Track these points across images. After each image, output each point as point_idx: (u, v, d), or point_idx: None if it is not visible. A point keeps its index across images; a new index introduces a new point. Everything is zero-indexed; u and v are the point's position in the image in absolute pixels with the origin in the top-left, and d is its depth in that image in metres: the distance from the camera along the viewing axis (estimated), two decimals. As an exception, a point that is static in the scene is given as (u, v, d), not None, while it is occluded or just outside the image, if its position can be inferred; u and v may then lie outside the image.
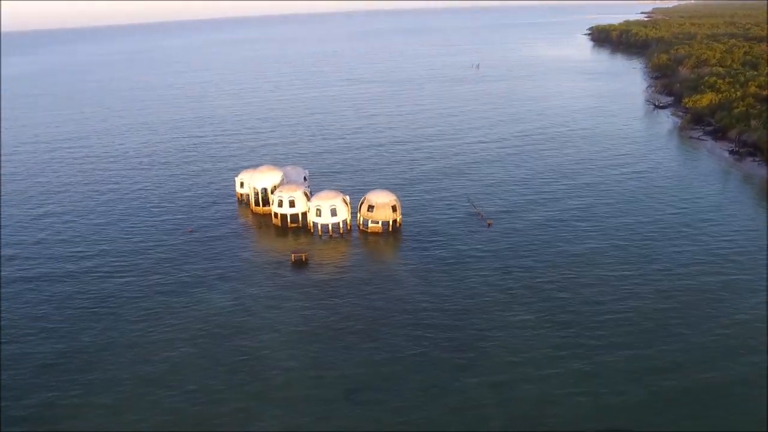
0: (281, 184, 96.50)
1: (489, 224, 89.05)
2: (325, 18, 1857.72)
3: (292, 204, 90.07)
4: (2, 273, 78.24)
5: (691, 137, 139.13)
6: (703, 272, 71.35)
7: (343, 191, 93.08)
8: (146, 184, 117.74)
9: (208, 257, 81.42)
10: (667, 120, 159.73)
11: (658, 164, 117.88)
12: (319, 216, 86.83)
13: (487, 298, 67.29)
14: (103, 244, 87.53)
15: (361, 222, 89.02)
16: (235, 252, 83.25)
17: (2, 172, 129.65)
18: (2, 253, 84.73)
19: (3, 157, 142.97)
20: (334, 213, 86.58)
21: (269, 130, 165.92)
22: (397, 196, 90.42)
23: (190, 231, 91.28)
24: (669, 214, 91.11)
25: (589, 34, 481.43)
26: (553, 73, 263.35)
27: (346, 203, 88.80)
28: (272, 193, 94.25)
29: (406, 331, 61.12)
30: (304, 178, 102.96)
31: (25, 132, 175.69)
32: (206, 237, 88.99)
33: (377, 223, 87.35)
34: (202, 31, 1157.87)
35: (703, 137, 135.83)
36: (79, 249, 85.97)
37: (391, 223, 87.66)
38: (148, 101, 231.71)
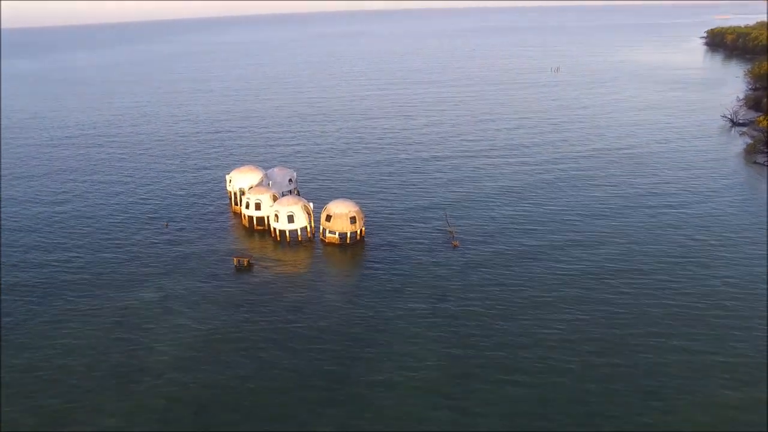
0: (258, 184, 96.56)
1: (455, 245, 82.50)
2: (387, 15, 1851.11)
3: (258, 207, 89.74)
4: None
5: (756, 162, 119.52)
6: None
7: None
8: (152, 174, 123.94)
9: (160, 253, 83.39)
10: (738, 140, 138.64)
11: (705, 195, 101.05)
12: (277, 221, 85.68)
13: (388, 333, 62.18)
14: (86, 231, 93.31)
15: (321, 231, 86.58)
16: (191, 250, 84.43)
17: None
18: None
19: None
20: (291, 219, 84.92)
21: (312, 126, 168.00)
22: (360, 207, 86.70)
23: (166, 225, 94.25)
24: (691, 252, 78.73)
25: (704, 38, 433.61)
26: (637, 81, 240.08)
27: (308, 211, 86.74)
28: (243, 194, 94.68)
29: (279, 352, 58.21)
30: (290, 180, 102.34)
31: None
32: (176, 233, 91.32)
33: (334, 233, 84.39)
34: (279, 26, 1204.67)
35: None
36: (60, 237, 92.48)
37: (349, 234, 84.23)
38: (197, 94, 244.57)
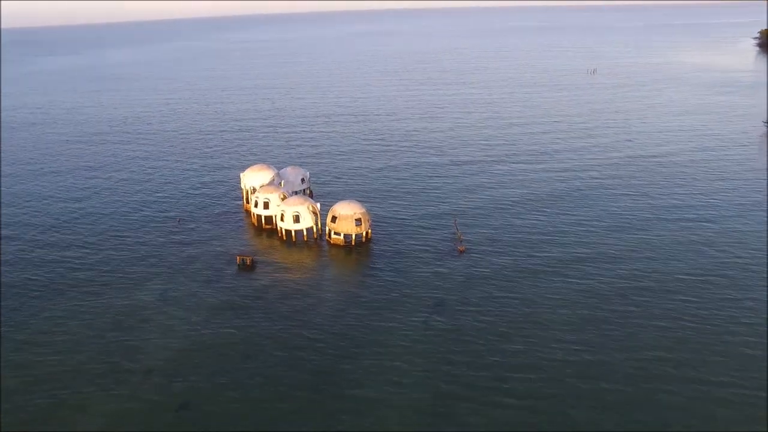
0: (269, 183, 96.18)
1: (461, 251, 79.84)
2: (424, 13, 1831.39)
3: (266, 206, 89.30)
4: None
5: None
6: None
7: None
8: (172, 173, 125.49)
9: (167, 250, 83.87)
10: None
11: (742, 209, 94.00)
12: (283, 221, 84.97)
13: (378, 344, 60.22)
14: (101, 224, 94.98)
15: (327, 232, 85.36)
16: (199, 247, 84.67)
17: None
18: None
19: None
20: (296, 219, 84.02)
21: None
22: (367, 210, 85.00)
23: (179, 222, 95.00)
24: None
25: (757, 39, 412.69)
26: (678, 84, 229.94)
27: (314, 212, 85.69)
28: (254, 192, 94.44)
29: (265, 357, 57.12)
30: (302, 180, 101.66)
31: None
32: (187, 230, 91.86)
33: (339, 235, 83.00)
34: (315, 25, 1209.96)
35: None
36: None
37: (354, 236, 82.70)
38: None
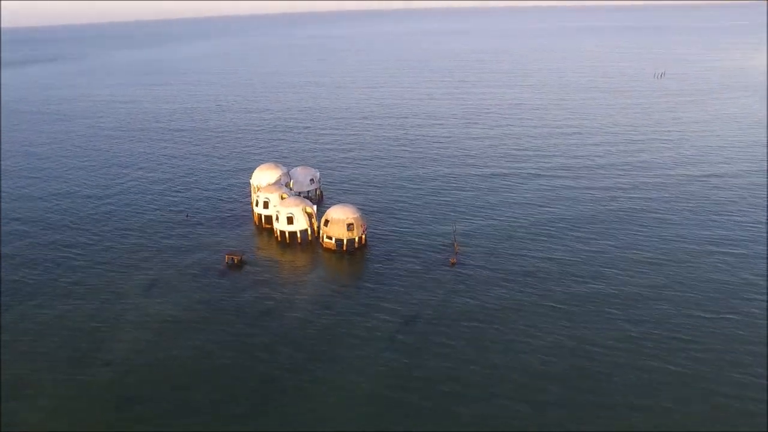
0: (276, 183, 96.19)
1: (452, 263, 76.03)
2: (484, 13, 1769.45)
3: (266, 205, 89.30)
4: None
5: None
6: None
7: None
8: (196, 171, 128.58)
9: (167, 242, 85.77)
10: None
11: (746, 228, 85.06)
12: (278, 222, 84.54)
13: (337, 357, 57.95)
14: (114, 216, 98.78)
15: (321, 236, 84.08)
16: (197, 243, 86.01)
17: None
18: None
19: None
20: (290, 221, 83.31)
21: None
22: (362, 215, 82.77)
23: (187, 216, 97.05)
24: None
25: None
26: (752, 92, 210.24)
27: (310, 214, 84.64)
28: (257, 191, 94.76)
29: (227, 354, 56.44)
30: (311, 180, 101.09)
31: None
32: (193, 225, 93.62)
33: (331, 239, 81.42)
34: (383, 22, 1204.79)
35: None
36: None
37: (346, 241, 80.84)
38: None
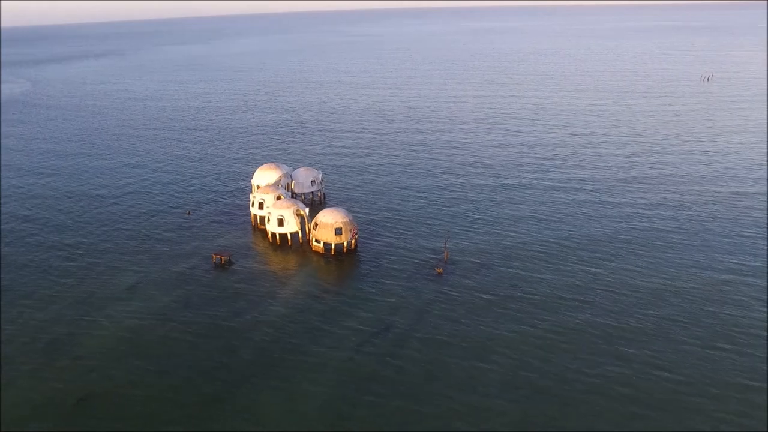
0: (275, 183, 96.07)
1: (438, 272, 73.68)
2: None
3: (260, 206, 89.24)
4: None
5: None
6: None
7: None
8: (205, 171, 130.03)
9: (162, 240, 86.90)
10: None
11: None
12: (269, 223, 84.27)
13: (294, 366, 56.74)
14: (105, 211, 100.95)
15: (311, 239, 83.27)
16: (191, 241, 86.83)
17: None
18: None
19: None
20: (280, 223, 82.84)
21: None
22: (352, 219, 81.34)
23: (188, 214, 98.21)
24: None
25: None
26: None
27: (302, 216, 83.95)
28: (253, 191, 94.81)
29: (191, 355, 56.23)
30: (312, 182, 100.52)
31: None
32: (191, 223, 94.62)
33: (320, 243, 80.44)
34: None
35: None
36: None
37: (334, 246, 79.68)
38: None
